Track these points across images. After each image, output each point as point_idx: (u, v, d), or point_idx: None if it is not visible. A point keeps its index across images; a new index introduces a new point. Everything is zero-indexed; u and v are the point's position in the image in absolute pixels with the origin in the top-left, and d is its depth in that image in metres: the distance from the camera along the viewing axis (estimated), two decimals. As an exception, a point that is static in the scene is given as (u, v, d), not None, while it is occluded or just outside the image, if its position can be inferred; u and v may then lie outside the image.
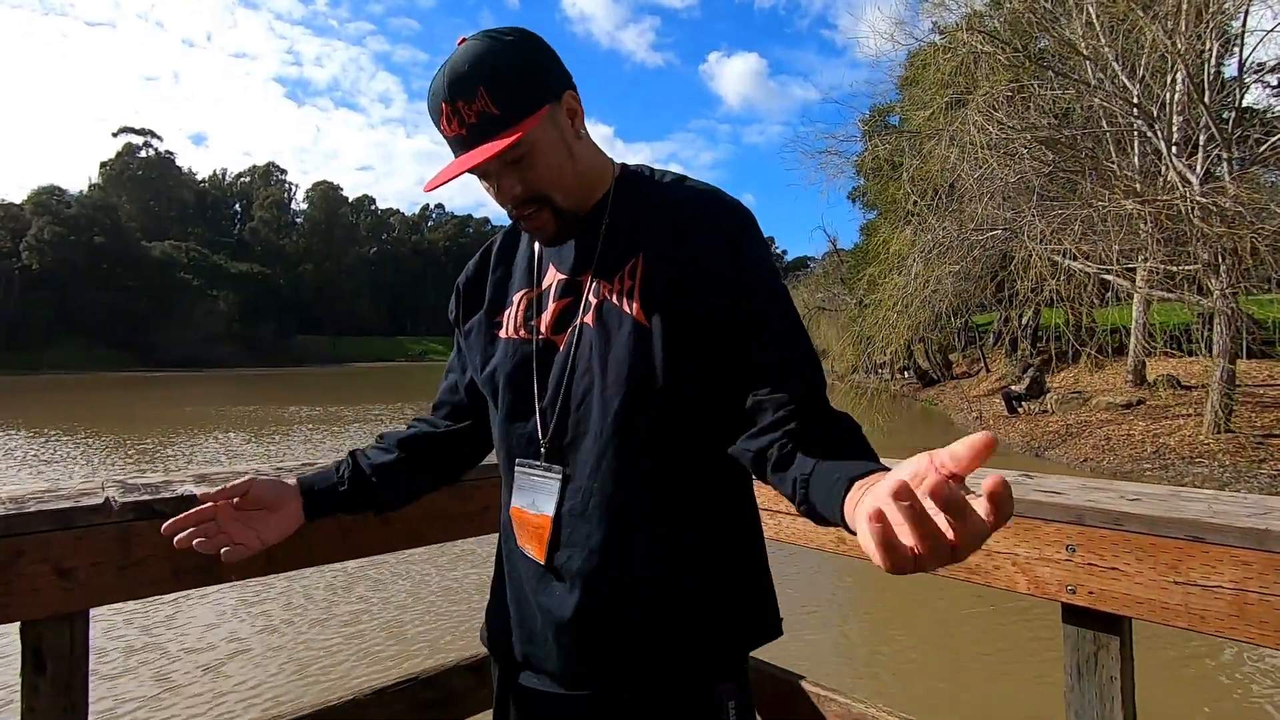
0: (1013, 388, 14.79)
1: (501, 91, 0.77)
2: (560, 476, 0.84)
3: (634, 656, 0.82)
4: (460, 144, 0.80)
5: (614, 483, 0.81)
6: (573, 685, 0.84)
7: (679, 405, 0.81)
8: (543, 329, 0.89)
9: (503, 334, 0.93)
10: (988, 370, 20.83)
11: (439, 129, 0.81)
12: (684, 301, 0.81)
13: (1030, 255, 9.79)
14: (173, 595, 4.93)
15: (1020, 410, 13.80)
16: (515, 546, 0.90)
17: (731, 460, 0.83)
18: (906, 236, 12.43)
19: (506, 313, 0.94)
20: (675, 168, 1.00)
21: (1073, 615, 0.94)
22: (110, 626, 4.47)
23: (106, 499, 0.99)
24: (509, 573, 0.93)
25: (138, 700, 3.65)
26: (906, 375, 23.75)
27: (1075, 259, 9.61)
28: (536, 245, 0.94)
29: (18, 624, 0.94)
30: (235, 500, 0.92)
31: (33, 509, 0.94)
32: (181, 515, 0.89)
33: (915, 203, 12.14)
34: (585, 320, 0.85)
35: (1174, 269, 9.00)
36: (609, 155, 0.93)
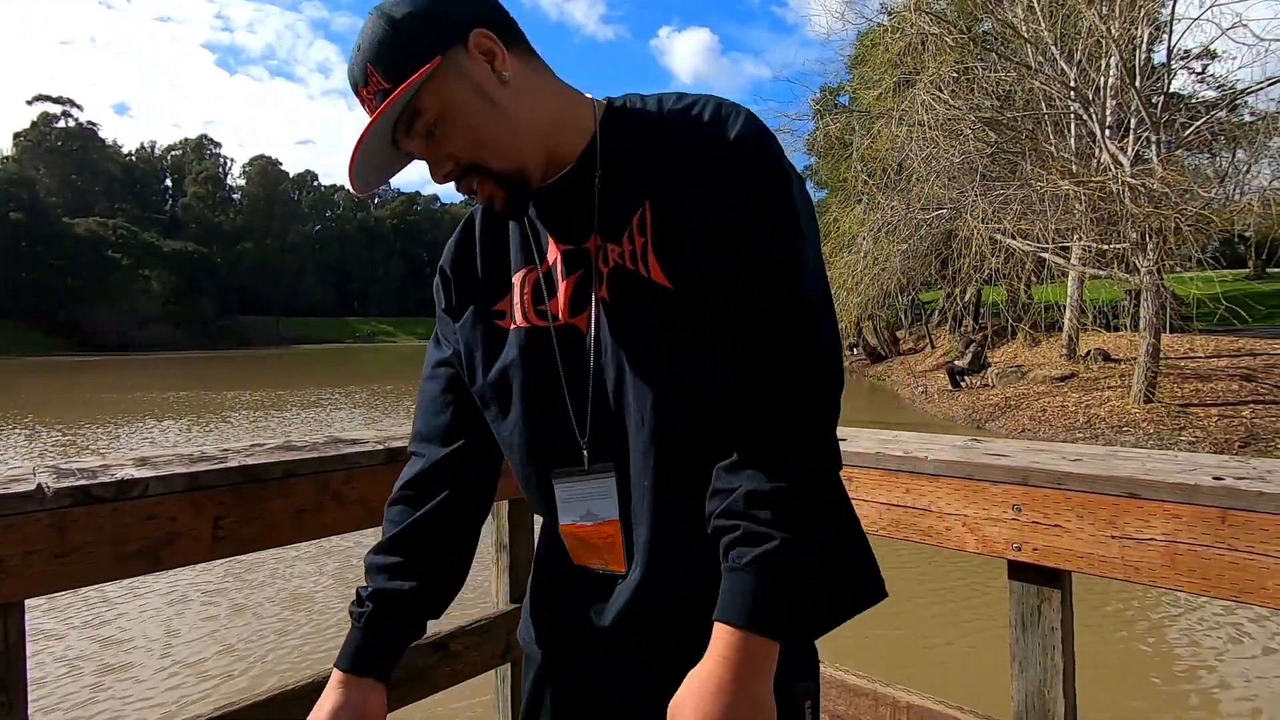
0: (956, 363, 15.33)
1: (388, 60, 0.66)
2: (614, 475, 0.73)
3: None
4: None
5: (664, 475, 0.70)
6: (644, 685, 0.75)
7: (716, 372, 0.69)
8: (559, 313, 0.75)
9: (510, 324, 0.79)
10: (933, 346, 21.52)
11: None
12: (706, 250, 0.68)
13: (973, 234, 10.11)
14: (118, 583, 4.75)
15: (963, 384, 14.33)
16: (564, 564, 0.80)
17: None
18: (856, 215, 12.68)
19: (509, 298, 0.79)
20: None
21: (1018, 571, 0.98)
22: (66, 617, 4.27)
23: (39, 485, 0.94)
24: (556, 580, 0.84)
25: (90, 692, 3.51)
26: (856, 352, 24.34)
27: (1014, 237, 9.98)
28: (531, 212, 0.79)
29: (-55, 617, 0.89)
30: None
31: (-44, 496, 0.88)
32: None
33: (865, 182, 12.38)
34: (601, 294, 0.72)
35: (1105, 247, 9.43)
36: (583, 93, 0.78)
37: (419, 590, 0.80)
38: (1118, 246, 9.17)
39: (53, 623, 4.29)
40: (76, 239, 57.57)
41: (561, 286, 0.75)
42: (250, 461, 1.12)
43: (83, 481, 0.97)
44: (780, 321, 0.67)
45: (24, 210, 55.18)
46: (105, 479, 0.98)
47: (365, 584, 0.82)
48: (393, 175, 0.75)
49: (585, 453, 0.75)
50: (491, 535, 1.55)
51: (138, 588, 4.89)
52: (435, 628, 1.39)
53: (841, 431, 1.28)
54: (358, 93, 0.70)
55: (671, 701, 0.64)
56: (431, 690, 1.34)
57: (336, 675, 0.78)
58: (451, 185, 0.73)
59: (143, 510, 1.00)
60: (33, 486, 0.93)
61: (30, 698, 0.95)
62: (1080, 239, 9.58)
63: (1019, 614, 0.98)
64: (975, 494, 1.00)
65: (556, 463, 0.76)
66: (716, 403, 0.68)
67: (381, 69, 0.66)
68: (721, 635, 0.62)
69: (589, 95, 0.78)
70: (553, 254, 0.77)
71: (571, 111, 0.75)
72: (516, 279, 0.79)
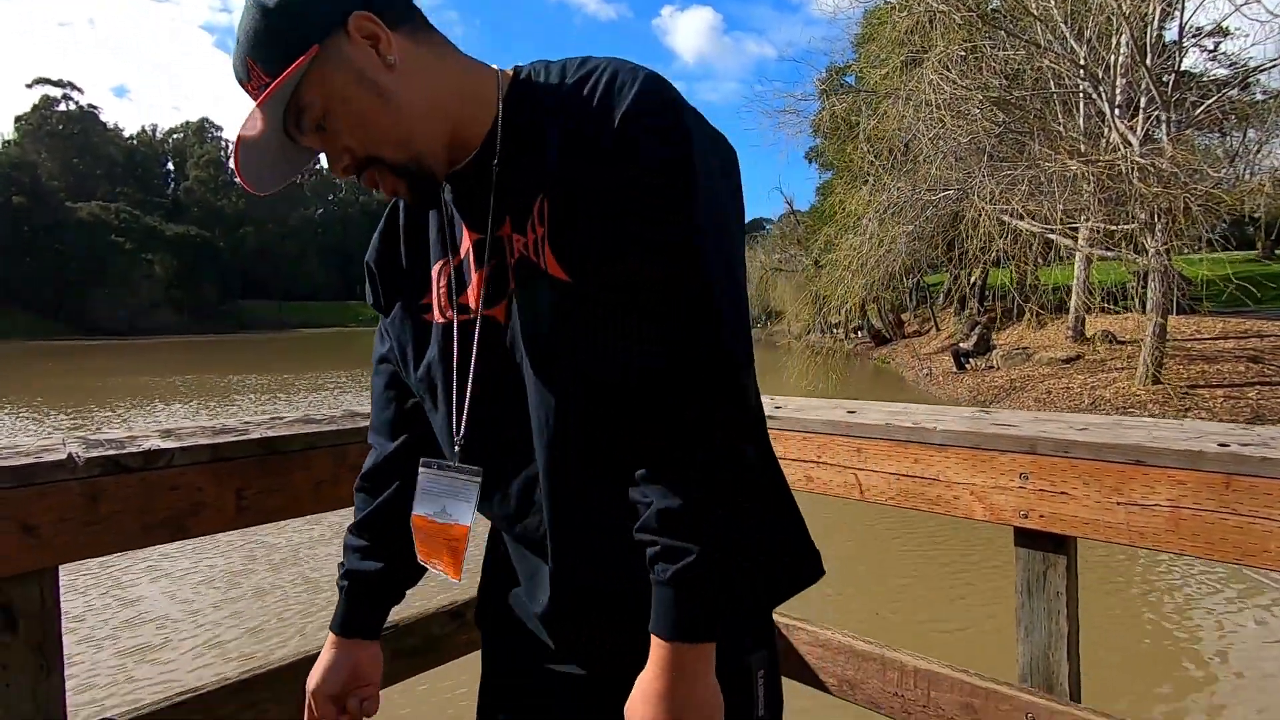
0: (961, 345, 15.31)
1: (264, 54, 0.63)
2: (479, 479, 0.73)
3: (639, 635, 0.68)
4: None
5: (565, 474, 0.70)
6: (574, 665, 0.79)
7: (617, 369, 0.67)
8: (472, 304, 0.73)
9: (434, 318, 0.78)
10: (938, 329, 21.47)
11: None
12: (600, 238, 0.65)
13: (980, 215, 10.04)
14: (137, 564, 4.83)
15: (968, 366, 14.31)
16: (504, 549, 0.84)
17: None
18: (862, 196, 12.59)
19: (433, 292, 0.78)
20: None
21: (1024, 538, 1.01)
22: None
23: (69, 454, 0.96)
24: (498, 564, 0.87)
25: (114, 660, 3.59)
26: (860, 335, 24.32)
27: (1022, 218, 9.91)
28: (448, 200, 0.76)
29: (-18, 583, 0.92)
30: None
31: (-9, 465, 0.91)
32: None
33: (871, 162, 12.28)
34: (510, 286, 0.71)
35: (1113, 228, 9.37)
36: (487, 65, 0.73)
37: (385, 570, 0.85)
38: (1126, 227, 9.10)
39: (72, 605, 4.37)
40: (79, 223, 57.59)
41: (474, 278, 0.73)
42: (271, 434, 1.14)
43: (111, 452, 0.99)
44: (676, 311, 0.64)
45: (26, 195, 55.21)
46: (133, 449, 1.01)
47: (343, 560, 0.87)
48: (300, 170, 0.73)
49: (458, 449, 0.74)
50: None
51: (157, 568, 4.96)
52: (452, 597, 1.43)
53: (851, 404, 1.30)
54: (243, 87, 0.66)
55: (626, 707, 0.67)
56: (449, 657, 1.38)
57: (331, 637, 0.86)
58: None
59: (169, 480, 1.03)
60: (64, 456, 0.96)
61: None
62: (1088, 220, 9.51)
63: (1025, 580, 1.00)
64: (983, 463, 1.02)
65: (438, 454, 0.78)
66: (618, 401, 0.66)
67: (260, 63, 0.64)
68: (656, 646, 0.64)
69: (495, 67, 0.74)
70: (466, 244, 0.74)
71: (473, 88, 0.71)
72: (435, 270, 0.77)
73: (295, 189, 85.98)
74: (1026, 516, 0.98)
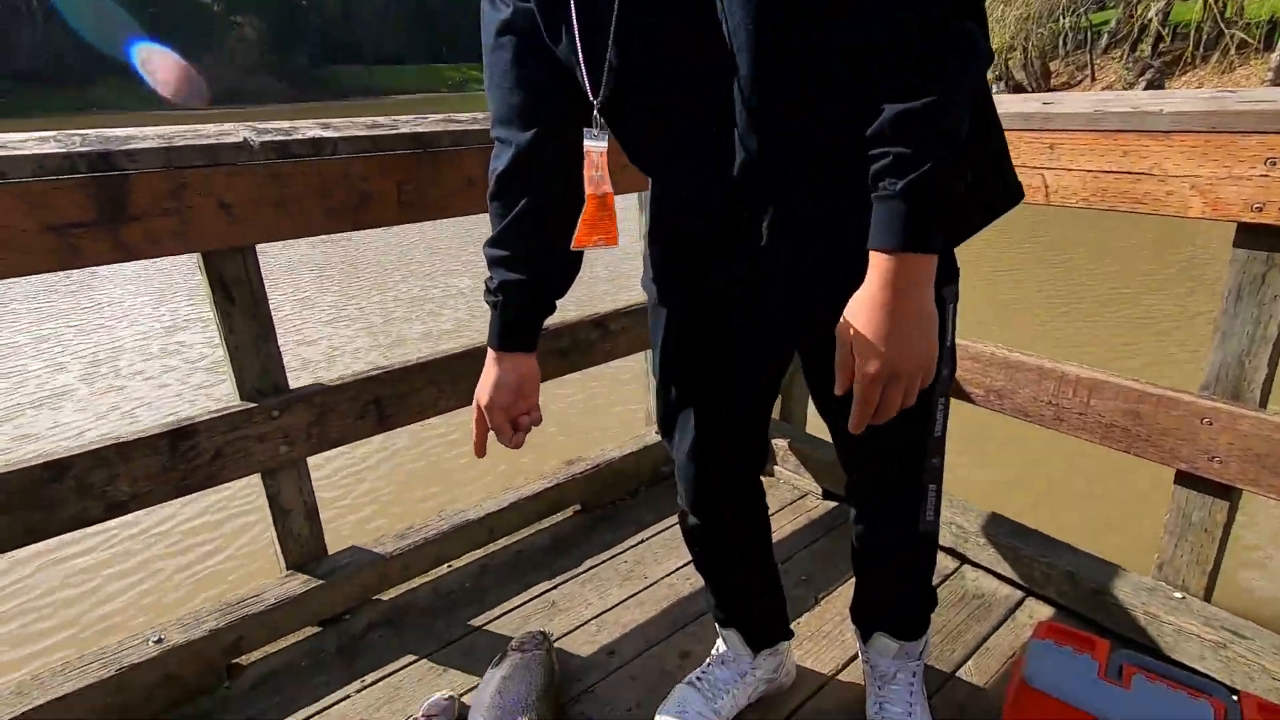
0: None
1: None
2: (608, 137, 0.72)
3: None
4: None
5: (769, 111, 0.65)
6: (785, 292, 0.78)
7: None
8: None
9: None
10: (1094, 79, 18.38)
11: None
12: None
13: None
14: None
15: (1124, 125, 12.42)
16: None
17: None
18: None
19: None
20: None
21: (1249, 236, 0.89)
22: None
23: (245, 139, 1.00)
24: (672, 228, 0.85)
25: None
26: (999, 88, 21.31)
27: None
28: None
29: (199, 257, 1.03)
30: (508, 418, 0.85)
31: (180, 144, 0.95)
32: (479, 440, 0.85)
33: None
34: None
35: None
36: None
37: (534, 279, 0.81)
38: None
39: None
40: (165, -18, 56.39)
41: None
42: (420, 129, 1.14)
43: (280, 138, 1.02)
44: None
45: (110, -49, 53.79)
46: (299, 136, 1.03)
47: (490, 275, 0.83)
48: None
49: (597, 115, 0.70)
50: (640, 227, 1.57)
51: (323, 318, 5.54)
52: (594, 308, 1.51)
53: (1049, 96, 1.12)
54: None
55: (839, 324, 0.65)
56: (593, 362, 1.49)
57: (491, 354, 0.85)
58: None
59: (338, 168, 1.06)
60: (240, 139, 0.99)
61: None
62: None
63: (1237, 282, 0.91)
64: (1217, 149, 0.87)
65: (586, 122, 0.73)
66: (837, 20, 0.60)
67: None
68: (878, 261, 0.62)
69: None
70: None
71: None
72: None
73: (367, -69, 78.89)
74: (1261, 209, 0.85)
